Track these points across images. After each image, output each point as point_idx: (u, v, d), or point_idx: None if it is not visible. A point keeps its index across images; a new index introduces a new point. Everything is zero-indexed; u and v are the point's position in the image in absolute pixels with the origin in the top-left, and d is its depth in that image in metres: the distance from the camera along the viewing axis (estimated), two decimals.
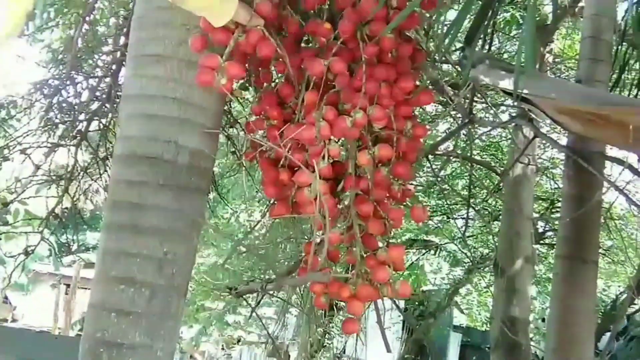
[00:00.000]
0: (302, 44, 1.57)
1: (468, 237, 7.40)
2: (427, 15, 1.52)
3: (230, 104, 2.51)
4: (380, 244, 1.48)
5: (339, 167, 1.50)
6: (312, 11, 1.49)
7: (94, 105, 3.34)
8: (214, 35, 1.36)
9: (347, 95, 1.40)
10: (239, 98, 2.11)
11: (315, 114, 1.37)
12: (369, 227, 1.45)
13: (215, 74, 1.35)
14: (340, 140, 1.47)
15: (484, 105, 4.47)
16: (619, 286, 9.29)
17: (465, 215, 6.04)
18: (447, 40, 1.52)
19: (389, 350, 1.65)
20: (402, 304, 9.72)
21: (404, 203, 1.51)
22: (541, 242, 7.10)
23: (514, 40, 4.96)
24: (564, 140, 3.12)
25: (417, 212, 1.51)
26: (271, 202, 1.64)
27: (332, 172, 1.46)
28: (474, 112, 2.49)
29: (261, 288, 2.79)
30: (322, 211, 1.34)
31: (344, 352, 10.31)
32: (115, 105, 3.12)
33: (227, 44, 1.37)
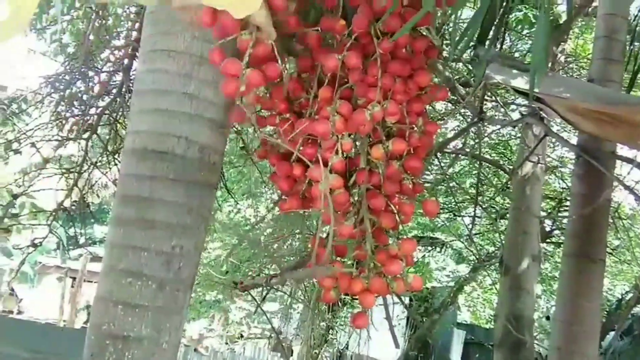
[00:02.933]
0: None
1: (475, 234, 7.40)
2: (440, 12, 1.51)
3: (241, 99, 2.52)
4: (390, 239, 1.48)
5: (350, 162, 1.50)
6: (327, 8, 1.49)
7: (105, 100, 3.35)
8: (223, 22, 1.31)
9: (361, 90, 1.40)
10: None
11: (330, 109, 1.37)
12: (381, 221, 1.45)
13: (238, 81, 1.32)
14: (352, 136, 1.47)
15: (494, 103, 4.46)
16: (624, 285, 9.27)
17: (472, 213, 6.03)
18: (462, 42, 1.51)
19: (397, 346, 1.65)
20: (406, 300, 9.75)
21: (415, 198, 1.51)
22: (548, 240, 7.09)
23: (526, 38, 4.94)
24: (574, 139, 3.10)
25: (430, 206, 1.50)
26: (280, 197, 1.64)
27: (345, 167, 1.46)
28: (484, 110, 2.49)
29: (266, 282, 2.79)
30: (334, 206, 1.34)
31: (347, 348, 10.33)
32: (126, 99, 3.13)
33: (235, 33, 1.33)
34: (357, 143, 1.51)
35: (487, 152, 6.45)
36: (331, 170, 1.37)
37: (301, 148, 1.41)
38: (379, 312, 1.74)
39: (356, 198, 1.49)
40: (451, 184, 5.83)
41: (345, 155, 1.45)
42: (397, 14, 1.35)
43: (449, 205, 7.37)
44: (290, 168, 1.46)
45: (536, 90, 1.65)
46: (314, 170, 1.37)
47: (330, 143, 1.38)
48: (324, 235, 1.45)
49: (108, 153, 3.42)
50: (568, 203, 4.41)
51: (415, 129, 1.46)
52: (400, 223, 1.47)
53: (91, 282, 12.19)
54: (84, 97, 3.40)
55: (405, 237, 1.50)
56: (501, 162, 6.15)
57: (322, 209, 1.37)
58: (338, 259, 1.48)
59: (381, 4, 1.33)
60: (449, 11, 1.47)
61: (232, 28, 1.30)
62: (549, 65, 4.07)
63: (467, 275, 9.05)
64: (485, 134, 5.23)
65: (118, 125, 3.36)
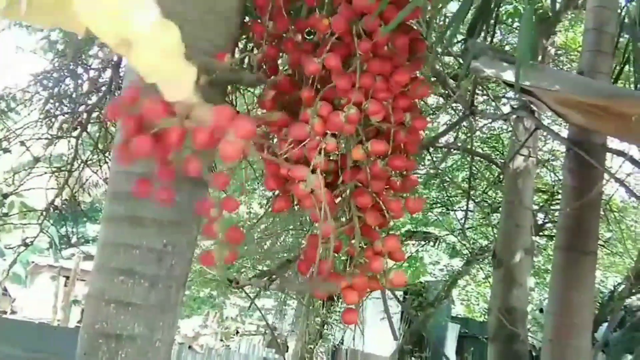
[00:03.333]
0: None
1: (467, 229, 7.43)
2: (429, 6, 1.51)
3: (234, 97, 2.51)
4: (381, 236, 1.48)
5: (341, 160, 1.50)
6: (313, 6, 1.48)
7: (95, 97, 3.33)
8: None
9: (343, 90, 1.40)
10: (242, 92, 2.10)
11: (310, 111, 1.37)
12: (367, 218, 1.45)
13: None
14: (339, 135, 1.47)
15: (485, 97, 4.47)
16: (616, 277, 9.34)
17: (465, 207, 6.06)
18: (448, 33, 1.51)
19: (395, 338, 1.65)
20: (400, 295, 9.78)
21: (406, 194, 1.51)
22: (540, 233, 7.13)
23: (516, 32, 4.95)
24: (565, 132, 3.11)
25: (412, 204, 1.50)
26: (274, 195, 1.64)
27: (335, 165, 1.46)
28: (475, 104, 2.49)
29: (264, 287, 2.79)
30: (319, 204, 1.34)
31: (342, 343, 10.36)
32: (116, 96, 3.11)
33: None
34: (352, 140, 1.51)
35: (478, 146, 6.46)
36: (314, 170, 1.37)
37: (291, 148, 1.41)
38: (373, 307, 1.74)
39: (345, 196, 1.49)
40: (443, 179, 5.84)
41: (337, 154, 1.45)
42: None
43: (442, 200, 7.40)
44: (278, 167, 1.46)
45: (526, 83, 1.65)
46: (296, 169, 1.37)
47: (314, 143, 1.38)
48: (316, 232, 1.45)
49: (99, 151, 3.40)
50: (560, 196, 4.44)
51: (405, 124, 1.45)
52: (390, 219, 1.47)
53: (84, 280, 12.17)
54: (73, 94, 3.37)
55: (391, 233, 1.50)
56: (493, 156, 6.17)
57: (308, 208, 1.37)
58: (334, 255, 1.49)
59: (361, 2, 1.33)
60: (438, 5, 1.46)
61: (156, 114, 1.12)
62: (539, 58, 4.08)
63: (461, 269, 9.09)
64: (477, 128, 5.25)
65: (108, 122, 3.34)
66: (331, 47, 1.36)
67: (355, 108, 1.35)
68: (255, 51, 1.52)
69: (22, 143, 3.39)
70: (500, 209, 5.37)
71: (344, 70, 1.40)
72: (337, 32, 1.36)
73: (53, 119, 3.47)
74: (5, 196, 3.68)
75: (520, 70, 1.50)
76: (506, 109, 4.51)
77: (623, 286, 6.75)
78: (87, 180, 3.92)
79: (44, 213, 3.56)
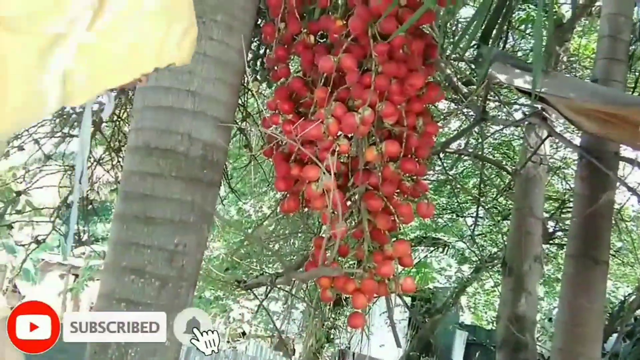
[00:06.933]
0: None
1: (477, 235, 7.39)
2: (442, 11, 1.51)
3: (244, 98, 2.52)
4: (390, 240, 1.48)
5: (353, 162, 1.51)
6: (326, 8, 1.49)
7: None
8: None
9: (357, 91, 1.40)
10: (253, 92, 2.11)
11: (325, 110, 1.37)
12: (377, 222, 1.45)
13: None
14: (353, 136, 1.47)
15: (497, 103, 4.44)
16: (628, 286, 9.24)
17: (475, 214, 6.02)
18: (463, 41, 1.50)
19: (399, 345, 1.65)
20: (408, 301, 9.74)
21: (417, 199, 1.51)
22: (551, 242, 7.06)
23: (529, 38, 4.93)
24: (577, 140, 3.10)
25: (423, 208, 1.50)
26: (282, 197, 1.65)
27: (346, 167, 1.47)
28: (487, 110, 2.48)
29: (270, 282, 2.79)
30: (331, 206, 1.34)
31: (349, 347, 10.32)
32: (129, 96, 3.13)
33: None
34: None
35: (489, 152, 6.42)
36: (328, 171, 1.37)
37: (302, 148, 1.42)
38: (380, 312, 1.73)
39: (356, 199, 1.49)
40: (454, 185, 5.82)
41: (347, 156, 1.46)
42: (394, 16, 1.34)
43: (452, 206, 7.36)
44: (289, 168, 1.46)
45: (539, 90, 1.64)
46: (308, 169, 1.37)
47: (327, 144, 1.38)
48: (327, 235, 1.46)
49: (111, 150, 3.42)
50: (571, 204, 4.40)
51: (417, 129, 1.45)
52: (401, 224, 1.47)
53: (93, 279, 12.22)
54: None
55: (401, 238, 1.50)
56: (504, 163, 6.13)
57: (319, 209, 1.38)
58: (339, 259, 1.49)
59: (377, 3, 1.33)
60: (451, 9, 1.46)
61: None
62: (552, 64, 4.06)
63: (470, 276, 9.02)
64: (488, 134, 5.22)
65: (121, 122, 3.36)
66: (346, 49, 1.37)
67: (370, 109, 1.35)
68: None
69: (37, 141, 3.41)
70: (510, 216, 5.33)
71: (358, 71, 1.40)
72: (354, 33, 1.36)
73: (66, 117, 3.49)
74: (19, 194, 3.71)
75: (534, 77, 1.50)
76: (518, 115, 4.48)
77: (634, 297, 6.68)
78: (99, 179, 3.95)
79: (57, 211, 3.59)
